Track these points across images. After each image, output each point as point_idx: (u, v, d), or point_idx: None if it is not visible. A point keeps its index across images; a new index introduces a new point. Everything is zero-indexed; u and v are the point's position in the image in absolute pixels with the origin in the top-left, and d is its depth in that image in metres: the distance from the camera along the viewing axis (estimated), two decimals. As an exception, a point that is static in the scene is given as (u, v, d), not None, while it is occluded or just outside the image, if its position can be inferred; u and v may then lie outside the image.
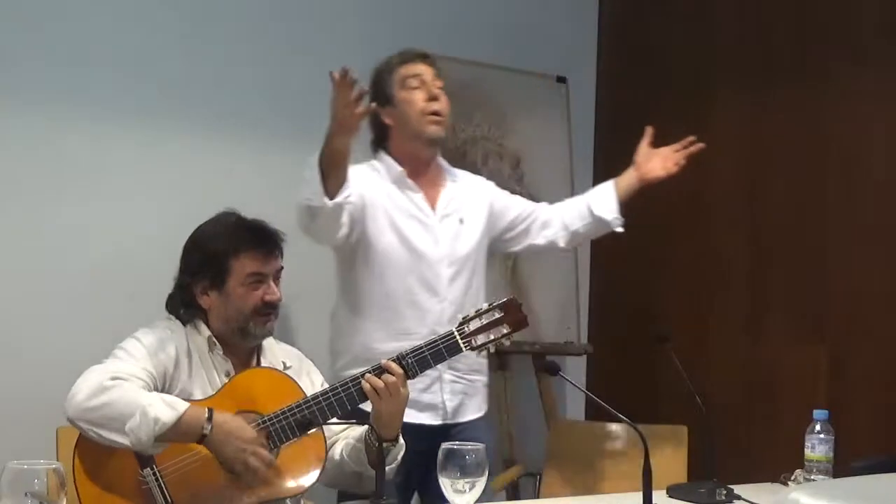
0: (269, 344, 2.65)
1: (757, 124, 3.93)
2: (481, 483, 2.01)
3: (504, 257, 3.84)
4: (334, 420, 2.44)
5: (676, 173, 3.11)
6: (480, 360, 2.95)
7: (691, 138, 3.12)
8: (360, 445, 2.49)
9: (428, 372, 2.54)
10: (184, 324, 2.55)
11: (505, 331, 2.45)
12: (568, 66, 4.20)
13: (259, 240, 2.56)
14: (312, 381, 2.62)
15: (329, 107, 2.58)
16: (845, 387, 3.57)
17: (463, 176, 3.12)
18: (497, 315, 2.45)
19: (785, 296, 3.80)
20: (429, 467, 2.76)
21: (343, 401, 2.41)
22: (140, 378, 2.38)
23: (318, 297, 3.06)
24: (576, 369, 4.20)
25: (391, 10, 3.81)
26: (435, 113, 2.92)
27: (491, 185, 3.19)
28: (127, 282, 3.20)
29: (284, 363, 2.61)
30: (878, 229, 3.57)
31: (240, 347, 2.57)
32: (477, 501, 2.02)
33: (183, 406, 2.32)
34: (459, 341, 2.45)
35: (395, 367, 2.42)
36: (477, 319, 2.46)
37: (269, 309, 2.55)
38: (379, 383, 2.40)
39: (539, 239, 3.15)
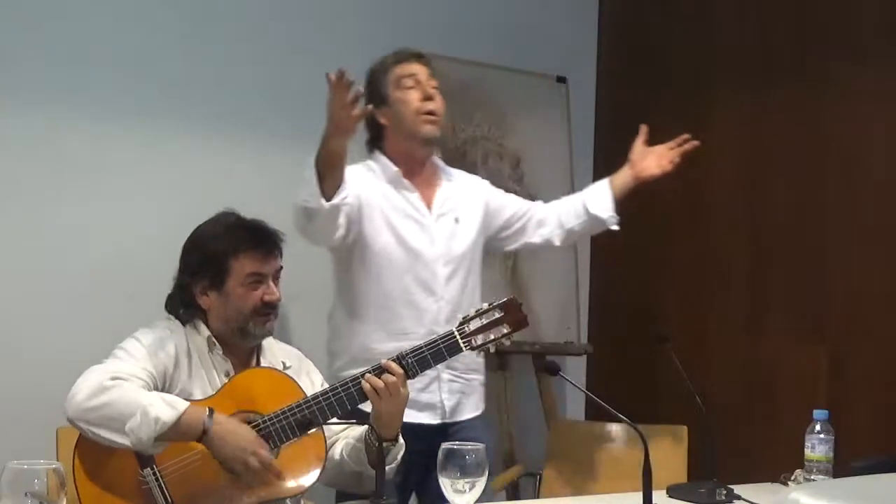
0: (269, 344, 2.65)
1: (757, 124, 3.93)
2: (481, 483, 2.01)
3: (504, 257, 3.84)
4: (334, 420, 2.44)
5: (671, 171, 3.11)
6: (477, 360, 2.96)
7: (686, 136, 3.11)
8: (360, 445, 2.49)
9: (426, 371, 2.54)
10: (183, 324, 2.56)
11: (505, 330, 2.46)
12: (568, 66, 4.20)
13: (258, 240, 2.56)
14: (312, 381, 2.62)
15: (326, 108, 2.58)
16: (845, 387, 3.57)
17: (458, 175, 3.12)
18: (497, 315, 2.46)
19: (785, 296, 3.80)
20: (427, 467, 2.78)
21: (343, 401, 2.41)
22: (140, 378, 2.38)
23: (317, 297, 3.06)
24: (576, 369, 4.19)
25: (391, 10, 3.81)
26: (430, 112, 2.92)
27: (486, 183, 3.19)
28: (127, 282, 3.20)
29: (284, 363, 2.61)
30: (878, 229, 3.57)
31: (239, 347, 2.57)
32: (477, 501, 2.02)
33: (183, 405, 2.32)
34: (459, 341, 2.45)
35: (395, 367, 2.42)
36: (477, 319, 2.46)
37: (268, 309, 2.55)
38: (379, 383, 2.40)
39: (535, 237, 3.16)
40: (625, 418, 2.30)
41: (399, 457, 2.52)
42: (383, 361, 2.43)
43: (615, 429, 3.46)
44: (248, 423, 2.40)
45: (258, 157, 3.48)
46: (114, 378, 2.33)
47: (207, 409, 2.34)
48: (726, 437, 3.19)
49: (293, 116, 3.45)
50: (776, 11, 3.88)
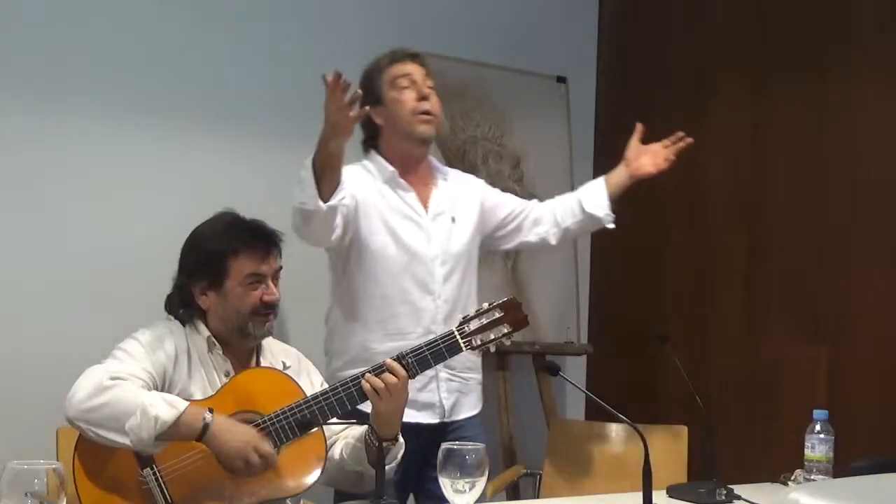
0: (269, 344, 2.65)
1: (756, 124, 3.93)
2: (481, 483, 2.01)
3: (504, 257, 3.84)
4: (334, 420, 2.44)
5: (666, 169, 3.12)
6: (474, 359, 2.96)
7: (680, 134, 3.11)
8: (360, 445, 2.49)
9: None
10: (183, 324, 2.56)
11: (505, 330, 2.46)
12: (568, 66, 4.20)
13: (257, 240, 2.56)
14: (312, 381, 2.62)
15: (323, 110, 2.58)
16: (845, 387, 3.57)
17: (454, 174, 3.12)
18: (497, 315, 2.46)
19: (785, 296, 3.81)
20: (426, 466, 2.79)
21: (343, 401, 2.41)
22: (139, 378, 2.38)
23: (315, 297, 3.06)
24: (576, 369, 4.20)
25: (391, 11, 3.81)
26: (426, 112, 2.92)
27: (481, 183, 3.19)
28: (127, 282, 3.20)
29: (284, 363, 2.61)
30: (878, 229, 3.57)
31: (239, 347, 2.57)
32: (477, 501, 2.02)
33: (183, 404, 2.32)
34: (460, 341, 2.45)
35: (398, 368, 2.42)
36: (477, 319, 2.46)
37: (267, 309, 2.54)
38: (379, 383, 2.40)
39: (531, 236, 3.16)
40: (625, 418, 2.30)
41: (399, 456, 2.52)
42: (386, 361, 2.43)
43: (615, 429, 3.46)
44: (248, 423, 2.39)
45: (258, 157, 3.48)
46: (113, 378, 2.33)
47: (207, 408, 2.34)
48: (726, 437, 3.20)
49: (293, 116, 3.45)
50: (776, 11, 3.88)
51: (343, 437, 2.57)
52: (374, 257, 2.87)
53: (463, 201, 3.04)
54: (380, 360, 2.46)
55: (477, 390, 3.04)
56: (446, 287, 2.93)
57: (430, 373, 2.80)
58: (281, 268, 2.60)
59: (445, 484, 2.00)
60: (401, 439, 2.51)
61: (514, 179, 3.96)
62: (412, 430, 2.62)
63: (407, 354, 2.45)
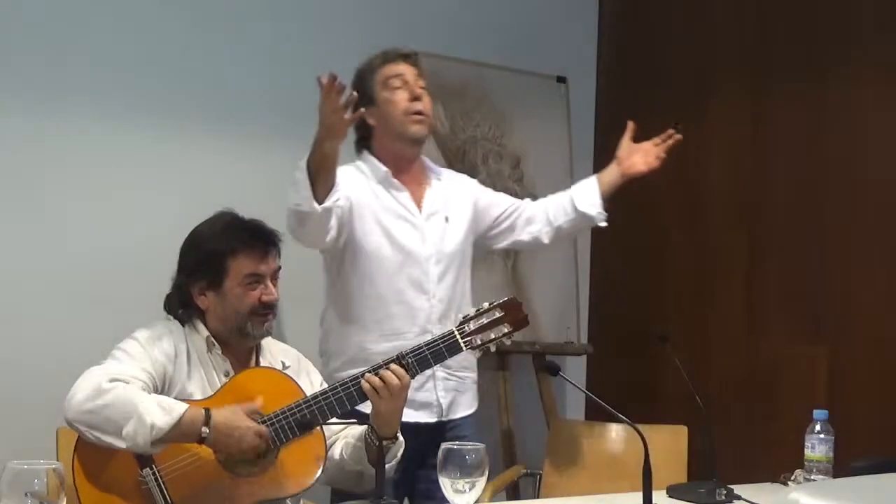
0: (268, 344, 2.65)
1: (757, 124, 3.93)
2: (481, 483, 2.01)
3: (504, 257, 3.84)
4: (334, 420, 2.44)
5: (658, 167, 3.12)
6: (470, 358, 2.96)
7: (670, 131, 3.12)
8: (360, 444, 2.49)
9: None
10: (182, 324, 2.55)
11: (506, 330, 2.46)
12: (568, 66, 4.20)
13: (256, 240, 2.56)
14: (311, 381, 2.62)
15: (318, 111, 2.58)
16: (845, 387, 3.57)
17: (447, 174, 3.13)
18: (497, 314, 2.46)
19: (785, 296, 3.80)
20: (424, 465, 2.79)
21: (343, 400, 2.41)
22: (139, 379, 2.38)
23: (312, 298, 3.05)
24: (576, 369, 4.20)
25: (391, 11, 3.81)
26: (418, 112, 2.92)
27: (474, 182, 3.20)
28: (127, 282, 3.20)
29: (283, 363, 2.61)
30: (878, 229, 3.57)
31: (238, 347, 2.57)
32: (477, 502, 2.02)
33: (179, 410, 2.30)
34: (460, 341, 2.45)
35: (400, 370, 2.42)
36: (477, 319, 2.46)
37: (266, 309, 2.54)
38: (378, 382, 2.40)
39: (523, 235, 3.16)
40: (625, 418, 2.30)
41: (399, 454, 2.52)
42: (391, 366, 2.43)
43: (615, 429, 3.46)
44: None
45: (258, 157, 3.48)
46: (112, 380, 2.33)
47: (204, 411, 2.33)
48: (726, 437, 3.20)
49: (293, 116, 3.42)
50: (776, 11, 3.88)
51: (343, 436, 2.57)
52: (369, 258, 2.87)
53: (456, 201, 3.05)
54: (377, 361, 2.46)
55: (473, 389, 3.04)
56: (441, 286, 2.93)
57: (427, 372, 2.80)
58: (280, 268, 2.60)
59: (445, 484, 2.00)
60: (400, 438, 2.51)
61: (514, 179, 3.96)
62: (411, 430, 2.62)
63: (407, 354, 2.45)
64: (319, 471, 2.42)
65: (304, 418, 2.38)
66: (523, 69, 4.04)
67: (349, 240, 2.86)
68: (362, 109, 2.64)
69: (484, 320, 2.46)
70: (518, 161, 4.02)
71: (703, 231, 4.06)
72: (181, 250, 2.60)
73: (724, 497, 2.59)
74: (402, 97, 2.92)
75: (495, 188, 3.33)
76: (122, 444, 2.28)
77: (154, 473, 2.34)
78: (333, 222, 2.76)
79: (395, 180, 2.95)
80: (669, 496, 2.63)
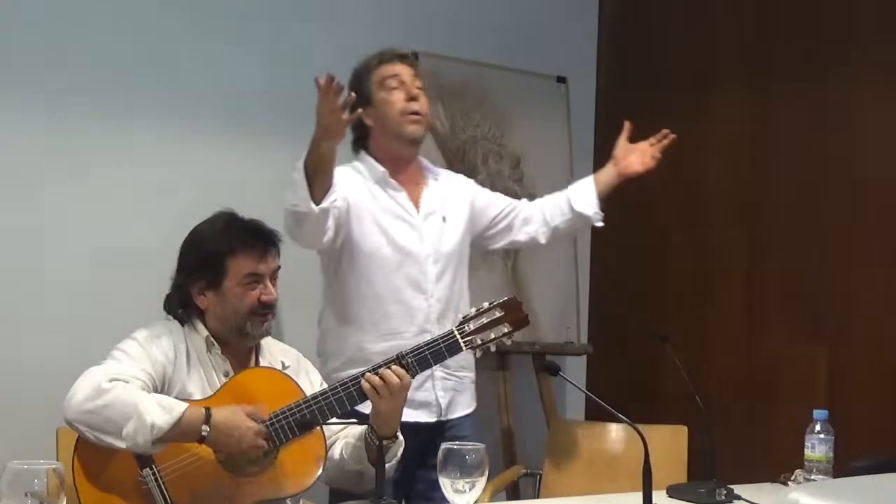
0: (267, 343, 2.64)
1: (756, 124, 3.93)
2: (481, 483, 2.01)
3: (504, 257, 3.84)
4: (334, 420, 2.44)
5: (654, 167, 3.12)
6: (469, 357, 2.96)
7: (665, 131, 3.12)
8: (360, 444, 2.49)
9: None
10: (182, 324, 2.55)
11: (506, 330, 2.46)
12: (568, 66, 4.20)
13: (256, 239, 2.56)
14: (311, 381, 2.62)
15: (315, 112, 2.58)
16: (845, 387, 3.57)
17: (444, 174, 3.13)
18: (497, 314, 2.46)
19: (785, 296, 3.81)
20: (422, 464, 2.79)
21: (343, 400, 2.41)
22: (139, 379, 2.37)
23: (310, 299, 3.05)
24: (576, 369, 4.20)
25: (391, 11, 3.81)
26: (414, 112, 2.92)
27: (471, 182, 3.20)
28: (126, 282, 3.20)
29: (283, 363, 2.61)
30: (878, 229, 3.57)
31: (238, 347, 2.57)
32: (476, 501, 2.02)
33: (179, 409, 2.30)
34: (460, 341, 2.45)
35: (400, 370, 2.42)
36: (477, 318, 2.46)
37: (265, 309, 2.54)
38: (378, 382, 2.40)
39: (520, 235, 3.16)
40: (625, 418, 2.30)
41: (399, 454, 2.52)
42: (391, 366, 2.43)
43: (615, 429, 3.46)
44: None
45: (258, 157, 3.48)
46: (112, 380, 2.33)
47: (205, 410, 2.33)
48: (726, 437, 3.19)
49: (293, 116, 3.42)
50: (776, 11, 3.88)
51: (343, 436, 2.57)
52: (368, 258, 2.87)
53: (453, 201, 3.05)
54: (376, 361, 2.46)
55: (471, 389, 3.05)
56: (439, 286, 2.93)
57: (425, 371, 2.80)
58: (279, 268, 2.60)
59: (445, 484, 2.00)
60: (400, 437, 2.51)
61: (514, 179, 3.96)
62: (410, 429, 2.62)
63: (407, 354, 2.45)
64: (319, 471, 2.42)
65: (304, 418, 2.38)
66: (523, 69, 4.04)
67: (346, 240, 2.86)
68: (360, 110, 2.64)
69: (484, 320, 2.46)
70: (518, 161, 4.02)
71: (703, 231, 4.06)
72: (181, 250, 2.60)
73: (723, 497, 2.58)
74: (398, 97, 2.92)
75: (495, 188, 3.33)
76: (122, 444, 2.28)
77: (154, 473, 2.34)
78: (331, 223, 2.76)
79: (393, 180, 2.95)
80: (669, 496, 2.63)
